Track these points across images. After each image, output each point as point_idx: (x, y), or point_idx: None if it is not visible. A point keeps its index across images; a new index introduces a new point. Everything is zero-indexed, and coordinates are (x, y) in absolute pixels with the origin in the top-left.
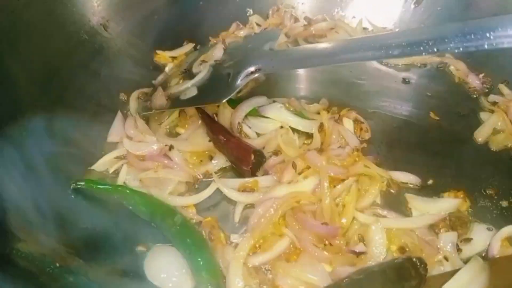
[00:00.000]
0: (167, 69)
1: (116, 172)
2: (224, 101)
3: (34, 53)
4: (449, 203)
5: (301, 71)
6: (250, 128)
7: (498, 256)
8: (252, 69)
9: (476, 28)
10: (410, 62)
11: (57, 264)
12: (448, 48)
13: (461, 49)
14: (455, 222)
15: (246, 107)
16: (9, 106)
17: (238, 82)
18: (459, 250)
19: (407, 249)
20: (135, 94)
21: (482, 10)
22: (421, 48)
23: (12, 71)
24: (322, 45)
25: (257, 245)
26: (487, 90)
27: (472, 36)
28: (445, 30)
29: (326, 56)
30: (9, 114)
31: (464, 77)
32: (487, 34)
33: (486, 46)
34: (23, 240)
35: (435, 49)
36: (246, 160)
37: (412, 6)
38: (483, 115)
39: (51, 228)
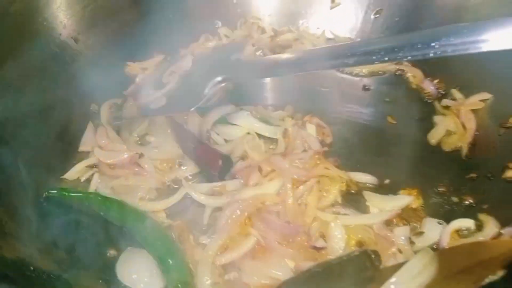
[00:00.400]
0: (137, 79)
1: (88, 180)
2: (192, 109)
3: (4, 64)
4: (403, 199)
5: (267, 80)
6: (218, 135)
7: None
8: (219, 78)
9: (422, 38)
10: (371, 70)
11: (32, 268)
12: (398, 57)
13: (409, 57)
14: (408, 217)
15: (214, 115)
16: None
17: (206, 91)
18: (412, 243)
19: (364, 244)
20: (106, 105)
21: (437, 20)
22: (374, 57)
23: None
24: (285, 55)
25: (224, 245)
26: (440, 95)
27: (419, 46)
28: (394, 40)
29: (289, 66)
30: None
31: (420, 83)
32: (432, 44)
33: (431, 55)
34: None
35: (386, 58)
36: (214, 166)
37: (372, 17)
38: (436, 119)
39: (25, 235)
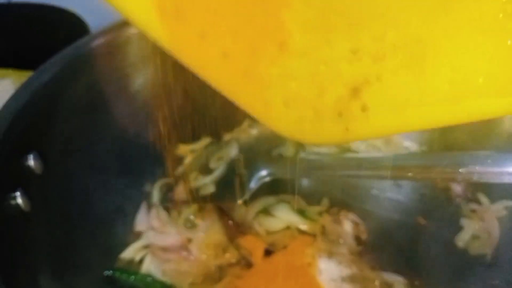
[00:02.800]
0: (186, 161)
1: (140, 261)
2: (239, 202)
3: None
4: None
5: None
6: (260, 226)
7: None
8: (263, 173)
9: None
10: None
11: None
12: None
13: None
14: None
15: (257, 206)
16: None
17: (252, 185)
18: None
19: None
20: (158, 185)
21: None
22: (408, 174)
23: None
24: (328, 158)
25: None
26: (467, 198)
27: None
28: (427, 159)
29: (329, 169)
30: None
31: (447, 184)
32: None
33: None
34: None
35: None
36: (256, 255)
37: None
38: (463, 221)
39: None
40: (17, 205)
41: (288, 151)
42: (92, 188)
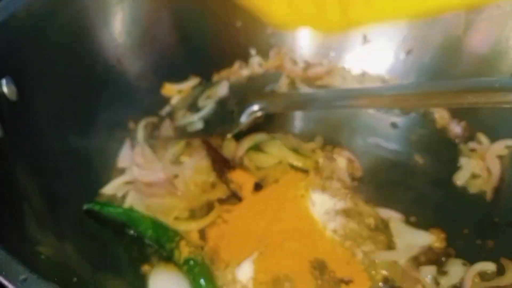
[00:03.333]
0: (173, 101)
1: (123, 196)
2: (230, 135)
3: (57, 80)
4: (429, 237)
5: None
6: (251, 161)
7: None
8: (255, 108)
9: (455, 88)
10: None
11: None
12: (431, 105)
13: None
14: (432, 257)
15: (248, 142)
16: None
17: (243, 119)
18: (437, 283)
19: (389, 279)
20: (142, 124)
21: (468, 67)
22: (407, 103)
23: (37, 97)
24: (320, 92)
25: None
26: (466, 138)
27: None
28: (428, 88)
29: (322, 102)
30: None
31: (446, 124)
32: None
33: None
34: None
35: (419, 105)
36: (245, 190)
37: (403, 57)
38: (462, 160)
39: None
40: None
41: (281, 87)
42: (70, 123)
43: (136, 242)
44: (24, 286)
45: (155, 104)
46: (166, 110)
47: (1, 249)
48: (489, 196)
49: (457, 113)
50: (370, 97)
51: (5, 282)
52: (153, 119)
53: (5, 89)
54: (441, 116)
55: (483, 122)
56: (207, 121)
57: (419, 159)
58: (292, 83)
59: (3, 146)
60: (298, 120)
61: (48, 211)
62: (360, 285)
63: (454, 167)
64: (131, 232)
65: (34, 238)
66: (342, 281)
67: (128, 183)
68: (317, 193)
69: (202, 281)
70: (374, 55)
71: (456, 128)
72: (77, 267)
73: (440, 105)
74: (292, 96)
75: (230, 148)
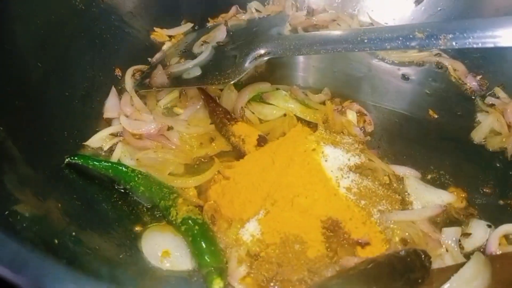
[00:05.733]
0: (164, 47)
1: (110, 150)
2: (232, 82)
3: (30, 19)
4: (448, 196)
5: (301, 59)
6: (253, 113)
7: (497, 253)
8: (261, 51)
9: (461, 27)
10: (409, 59)
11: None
12: (437, 44)
13: (449, 46)
14: (452, 217)
15: (250, 91)
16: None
17: (246, 64)
18: (460, 245)
19: (409, 241)
20: (130, 71)
21: (481, 12)
22: (412, 43)
23: (8, 37)
24: (336, 32)
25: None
26: (483, 92)
27: (458, 34)
28: (434, 26)
29: (337, 43)
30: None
31: (462, 78)
32: (472, 34)
33: (473, 45)
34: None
35: (424, 44)
36: (248, 144)
37: (413, 5)
38: (480, 116)
39: (46, 197)
40: None
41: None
42: (49, 60)
43: (126, 199)
44: None
45: (144, 50)
46: (157, 57)
47: None
48: (510, 153)
49: (472, 67)
50: (390, 37)
51: None
52: (141, 67)
53: None
54: (455, 68)
55: (500, 76)
56: (205, 67)
57: (433, 114)
58: (294, 31)
59: None
60: (303, 71)
61: (23, 163)
62: (377, 248)
63: (471, 123)
64: (120, 188)
65: (12, 197)
66: (358, 243)
67: (115, 135)
68: (329, 147)
69: (202, 243)
70: (383, 3)
71: (473, 82)
72: (59, 227)
73: (447, 45)
74: (303, 38)
75: (230, 98)
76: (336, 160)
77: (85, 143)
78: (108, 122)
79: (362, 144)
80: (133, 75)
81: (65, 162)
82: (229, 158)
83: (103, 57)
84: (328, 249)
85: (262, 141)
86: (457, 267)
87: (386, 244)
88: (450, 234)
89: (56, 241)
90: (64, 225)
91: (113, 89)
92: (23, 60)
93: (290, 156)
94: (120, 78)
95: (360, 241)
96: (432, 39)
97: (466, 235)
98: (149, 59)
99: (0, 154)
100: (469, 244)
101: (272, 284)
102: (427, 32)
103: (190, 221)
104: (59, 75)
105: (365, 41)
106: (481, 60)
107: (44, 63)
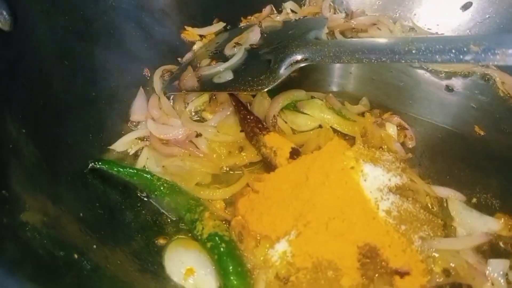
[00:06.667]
0: (195, 47)
1: (135, 155)
2: (266, 90)
3: (57, 15)
4: (496, 223)
5: (337, 64)
6: (286, 123)
7: None
8: (298, 57)
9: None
10: (453, 70)
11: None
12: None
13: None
14: (501, 246)
15: (283, 99)
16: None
17: (282, 71)
18: (508, 280)
19: (452, 273)
20: (159, 71)
21: None
22: (466, 57)
23: (34, 34)
24: (381, 40)
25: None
26: None
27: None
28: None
29: (385, 52)
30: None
31: (510, 92)
32: None
33: None
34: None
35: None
36: (280, 157)
37: (459, 11)
38: None
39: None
40: None
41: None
42: (74, 63)
43: (149, 208)
44: None
45: (174, 49)
46: (187, 57)
47: None
48: None
49: None
50: (443, 49)
51: None
52: (170, 67)
53: None
54: (503, 81)
55: None
56: (237, 71)
57: (479, 130)
58: (331, 35)
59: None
60: (339, 77)
61: (42, 167)
62: (417, 279)
63: None
64: (143, 196)
65: (20, 201)
66: (396, 272)
67: (142, 139)
68: (368, 165)
69: (229, 263)
70: (426, 8)
71: None
72: (77, 239)
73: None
74: (344, 45)
75: (262, 105)
76: (376, 180)
77: (110, 147)
78: (135, 126)
79: (403, 162)
80: (162, 75)
81: (88, 167)
82: (258, 170)
83: (132, 56)
84: (364, 278)
85: (295, 154)
86: None
87: (427, 275)
88: (496, 267)
89: (75, 256)
90: (83, 237)
91: (141, 90)
92: (48, 58)
93: (326, 173)
94: (148, 78)
95: (399, 270)
96: (489, 54)
97: None
98: (179, 59)
99: (20, 159)
100: None
101: None
102: (483, 46)
103: (216, 238)
104: (85, 74)
105: (413, 51)
106: None
107: (70, 61)
